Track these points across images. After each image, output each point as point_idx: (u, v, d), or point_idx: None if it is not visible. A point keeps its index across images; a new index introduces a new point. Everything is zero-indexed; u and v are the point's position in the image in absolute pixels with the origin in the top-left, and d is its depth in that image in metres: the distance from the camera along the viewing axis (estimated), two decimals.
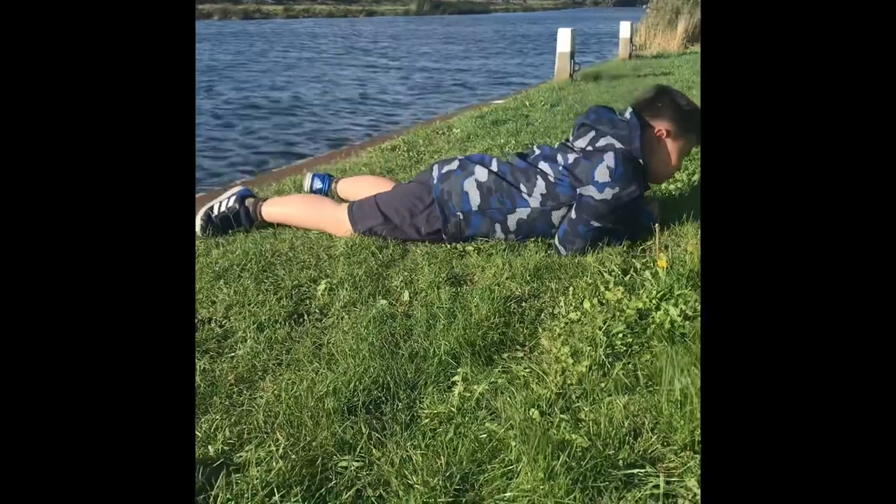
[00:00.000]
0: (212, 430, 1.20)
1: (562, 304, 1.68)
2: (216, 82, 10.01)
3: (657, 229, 1.95)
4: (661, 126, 2.05)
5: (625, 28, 10.75)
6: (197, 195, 2.86)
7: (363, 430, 1.19)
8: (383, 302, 1.71)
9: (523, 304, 1.70)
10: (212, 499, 1.04)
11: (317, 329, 1.60)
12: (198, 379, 1.36)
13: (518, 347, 1.51)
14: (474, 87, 10.08)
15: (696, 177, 2.75)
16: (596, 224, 1.98)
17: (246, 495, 1.04)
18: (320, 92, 9.35)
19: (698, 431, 1.13)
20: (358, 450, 1.15)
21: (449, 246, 2.10)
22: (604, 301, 1.66)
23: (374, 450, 1.16)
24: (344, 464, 1.12)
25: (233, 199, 2.29)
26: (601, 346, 1.43)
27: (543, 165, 2.05)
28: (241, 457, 1.14)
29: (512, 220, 2.05)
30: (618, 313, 1.58)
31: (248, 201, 2.31)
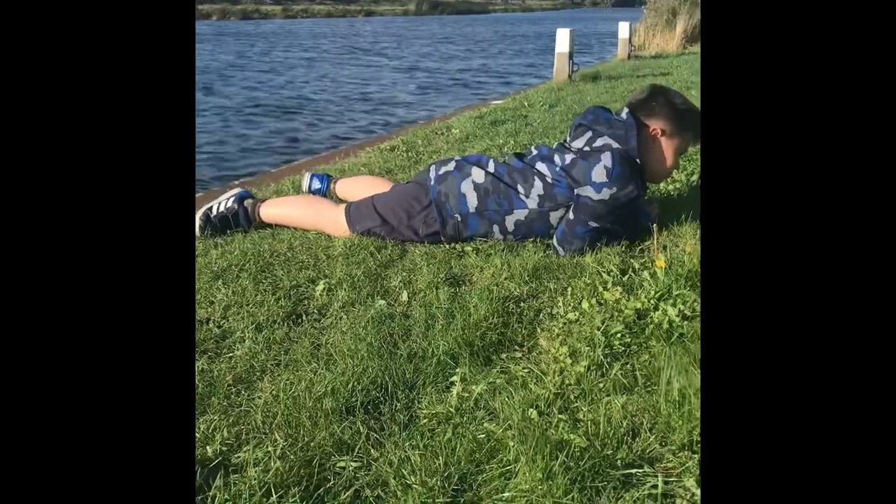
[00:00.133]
0: (210, 431, 1.20)
1: (560, 304, 1.68)
2: (216, 82, 10.02)
3: (655, 230, 1.96)
4: (656, 125, 2.05)
5: (623, 28, 10.75)
6: (195, 195, 2.86)
7: (361, 430, 1.19)
8: (382, 302, 1.71)
9: (522, 304, 1.70)
10: (210, 499, 1.04)
11: (315, 329, 1.60)
12: (196, 379, 1.36)
13: (516, 348, 1.51)
14: (475, 87, 10.09)
15: (695, 177, 2.75)
16: (594, 224, 1.98)
17: (244, 496, 1.04)
18: (321, 91, 9.36)
19: (696, 431, 1.13)
20: (356, 450, 1.15)
21: (447, 246, 2.10)
22: (602, 301, 1.66)
23: (372, 450, 1.16)
24: (342, 464, 1.12)
25: (231, 199, 2.29)
26: (599, 347, 1.43)
27: (541, 166, 2.05)
28: (239, 457, 1.14)
29: (510, 221, 2.05)
30: (616, 313, 1.58)
31: (247, 202, 2.31)
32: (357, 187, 2.45)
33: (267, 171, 4.41)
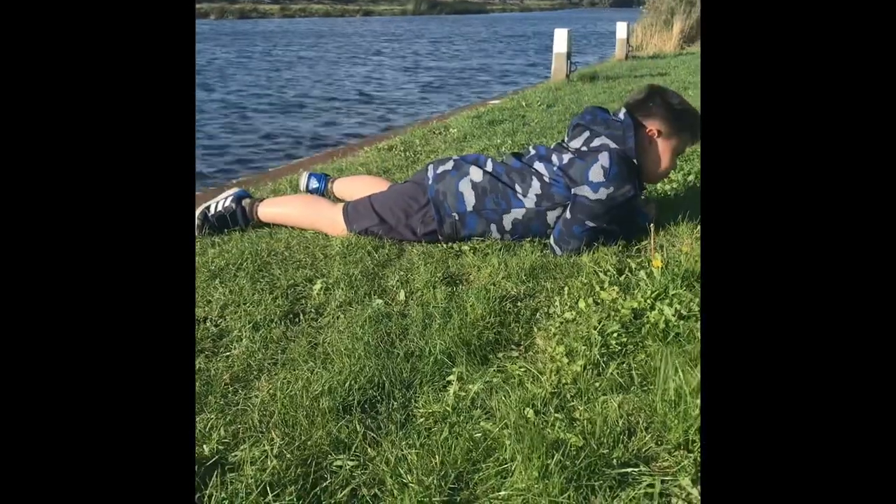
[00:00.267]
0: (207, 430, 1.20)
1: (557, 303, 1.68)
2: (215, 81, 10.01)
3: (652, 229, 1.96)
4: (653, 126, 2.06)
5: (621, 29, 10.76)
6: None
7: (358, 429, 1.20)
8: (379, 301, 1.71)
9: (519, 303, 1.70)
10: (206, 498, 1.04)
11: (312, 328, 1.60)
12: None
13: (513, 347, 1.51)
14: (475, 87, 10.09)
15: (692, 177, 2.76)
16: (591, 224, 1.98)
17: (240, 494, 1.04)
18: (322, 90, 9.36)
19: (692, 431, 1.14)
20: (353, 449, 1.15)
21: (445, 245, 2.10)
22: (599, 301, 1.66)
23: (369, 449, 1.16)
24: (339, 463, 1.12)
25: (229, 199, 2.30)
26: (596, 346, 1.43)
27: (538, 166, 2.05)
28: (235, 456, 1.14)
29: (507, 221, 2.05)
30: (613, 313, 1.58)
31: (245, 201, 2.31)
32: (355, 187, 2.45)
33: (265, 171, 4.41)
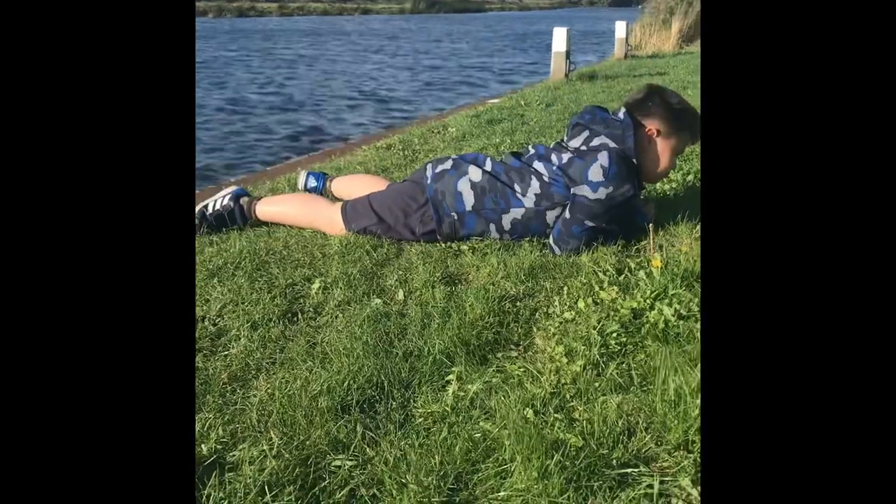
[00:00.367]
0: (205, 429, 1.20)
1: (556, 303, 1.68)
2: (215, 80, 10.00)
3: (651, 229, 1.96)
4: (652, 125, 2.05)
5: (620, 28, 10.76)
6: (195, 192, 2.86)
7: (357, 429, 1.19)
8: (378, 301, 1.71)
9: (518, 303, 1.70)
10: (205, 497, 1.03)
11: (311, 328, 1.60)
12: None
13: (512, 347, 1.51)
14: (477, 85, 10.10)
15: (691, 177, 2.75)
16: (590, 224, 1.98)
17: (239, 494, 1.04)
18: (320, 88, 9.35)
19: (692, 431, 1.13)
20: (352, 449, 1.15)
21: (444, 245, 2.09)
22: (598, 301, 1.66)
23: (367, 449, 1.15)
24: (337, 463, 1.12)
25: (227, 197, 2.29)
26: (595, 346, 1.43)
27: (538, 165, 2.04)
28: (234, 455, 1.14)
29: (506, 220, 2.05)
30: (612, 313, 1.58)
31: (243, 200, 2.30)
32: (353, 186, 2.45)
33: (263, 169, 4.41)
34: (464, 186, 2.06)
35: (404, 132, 4.32)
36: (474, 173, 2.07)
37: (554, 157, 2.04)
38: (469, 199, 2.05)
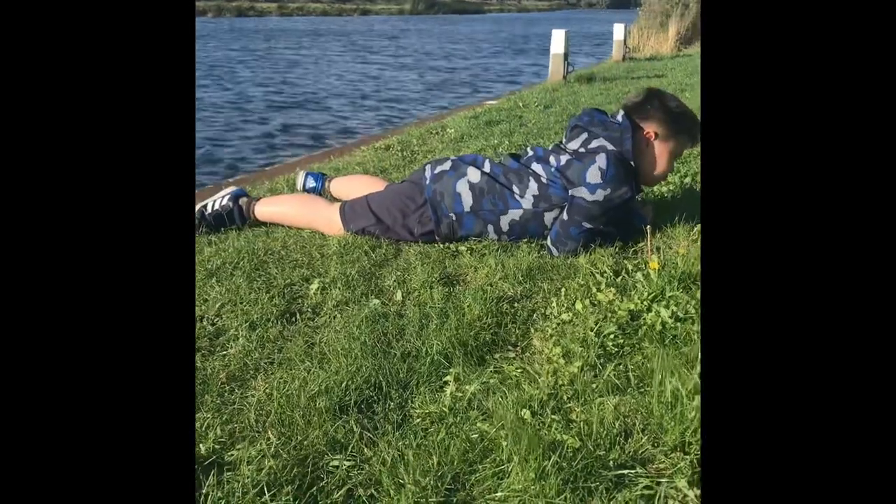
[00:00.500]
0: (203, 429, 1.20)
1: (554, 304, 1.68)
2: (216, 80, 10.00)
3: (649, 231, 1.96)
4: (650, 128, 2.06)
5: (618, 30, 10.79)
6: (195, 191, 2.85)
7: (355, 429, 1.20)
8: (376, 301, 1.71)
9: (515, 304, 1.70)
10: (203, 497, 1.03)
11: (309, 328, 1.60)
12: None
13: (510, 348, 1.51)
14: (478, 86, 10.12)
15: (689, 179, 2.76)
16: (588, 225, 1.98)
17: (237, 494, 1.04)
18: (321, 88, 9.36)
19: (688, 432, 1.14)
20: (349, 449, 1.15)
21: (442, 246, 2.10)
22: (596, 302, 1.66)
23: (365, 449, 1.16)
24: (335, 463, 1.12)
25: (226, 198, 2.29)
26: (593, 347, 1.43)
27: (536, 167, 2.05)
28: (232, 455, 1.14)
29: (504, 222, 2.05)
30: (609, 314, 1.58)
31: (242, 200, 2.31)
32: (352, 186, 2.45)
33: (262, 170, 4.41)
34: (462, 188, 2.06)
35: (403, 133, 4.33)
36: (473, 175, 2.08)
37: (552, 159, 2.05)
38: (467, 201, 2.06)
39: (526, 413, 1.22)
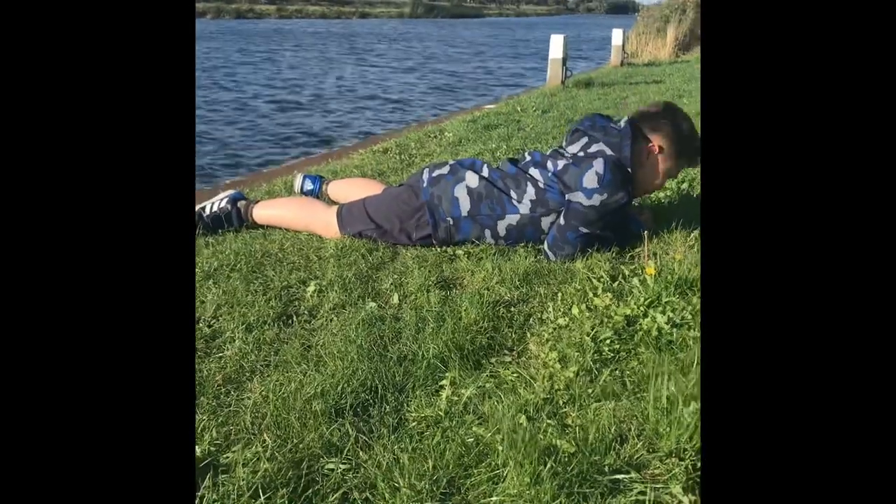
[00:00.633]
0: (199, 431, 1.20)
1: (550, 309, 1.68)
2: (213, 81, 10.01)
3: (646, 237, 1.97)
4: (656, 141, 2.07)
5: (617, 35, 10.82)
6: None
7: (350, 432, 1.20)
8: (372, 304, 1.71)
9: (512, 308, 1.70)
10: (198, 499, 1.03)
11: (305, 331, 1.60)
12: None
13: (506, 352, 1.51)
14: (480, 89, 10.14)
15: (685, 185, 2.77)
16: (584, 230, 1.99)
17: (232, 496, 1.04)
18: (320, 90, 9.37)
19: (684, 438, 1.14)
20: (345, 452, 1.15)
21: (439, 249, 2.10)
22: (592, 307, 1.66)
23: (361, 452, 1.16)
24: (331, 466, 1.12)
25: (225, 200, 2.30)
26: (589, 352, 1.43)
27: (534, 171, 2.05)
28: (227, 457, 1.14)
29: (501, 226, 2.06)
30: (606, 319, 1.58)
31: (240, 203, 2.31)
32: (350, 189, 2.45)
33: (260, 171, 4.41)
34: (460, 192, 2.07)
35: (401, 136, 4.33)
36: (471, 179, 2.08)
37: (550, 164, 2.05)
38: (465, 205, 2.06)
39: (522, 417, 1.22)
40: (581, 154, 2.02)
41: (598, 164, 1.96)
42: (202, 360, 1.45)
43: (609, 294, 1.70)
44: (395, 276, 1.90)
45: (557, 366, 1.40)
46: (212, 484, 1.06)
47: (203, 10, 31.93)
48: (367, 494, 1.07)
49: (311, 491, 1.07)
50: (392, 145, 3.83)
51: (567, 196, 1.99)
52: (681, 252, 1.96)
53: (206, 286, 1.81)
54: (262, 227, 2.31)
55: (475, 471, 1.10)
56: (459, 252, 2.07)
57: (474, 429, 1.20)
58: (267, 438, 1.18)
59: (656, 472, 1.11)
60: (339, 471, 1.11)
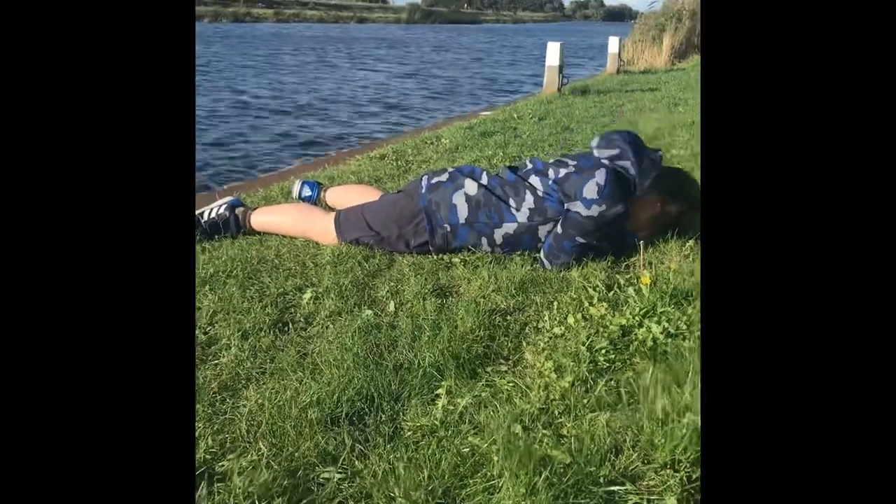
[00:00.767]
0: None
1: (546, 318, 1.69)
2: (212, 83, 10.01)
3: (641, 246, 1.97)
4: (662, 202, 2.09)
5: (613, 43, 10.86)
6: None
7: (346, 441, 1.20)
8: (369, 312, 1.72)
9: (508, 317, 1.71)
10: None
11: (301, 338, 1.60)
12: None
13: (502, 361, 1.52)
14: (470, 96, 10.16)
15: None
16: (581, 240, 1.99)
17: None
18: (319, 94, 9.38)
19: (679, 450, 1.14)
20: (340, 461, 1.15)
21: (435, 257, 2.10)
22: (588, 316, 1.67)
23: (356, 461, 1.16)
24: (326, 475, 1.12)
25: (223, 207, 2.30)
26: (584, 362, 1.44)
27: (534, 179, 2.06)
28: (223, 466, 1.14)
29: (498, 235, 2.06)
30: (601, 329, 1.59)
31: (238, 210, 2.31)
32: (348, 196, 2.46)
33: (257, 177, 4.41)
34: (458, 199, 2.07)
35: (398, 142, 4.34)
36: (470, 187, 2.09)
37: (551, 172, 2.05)
38: (463, 212, 2.06)
39: (517, 427, 1.22)
40: (605, 161, 2.03)
41: (600, 175, 1.96)
42: (198, 367, 1.45)
43: (605, 303, 1.71)
44: (392, 284, 1.90)
45: (553, 375, 1.40)
46: (207, 493, 1.06)
47: (201, 14, 31.93)
48: None
49: (306, 500, 1.07)
50: (389, 151, 3.84)
51: (566, 205, 1.99)
52: (676, 262, 1.97)
53: (203, 292, 1.81)
54: (259, 233, 2.31)
55: (471, 481, 1.10)
56: (456, 260, 2.07)
57: (470, 438, 1.21)
58: (262, 447, 1.18)
59: (651, 483, 1.11)
60: (335, 480, 1.11)
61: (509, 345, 1.58)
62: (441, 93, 10.43)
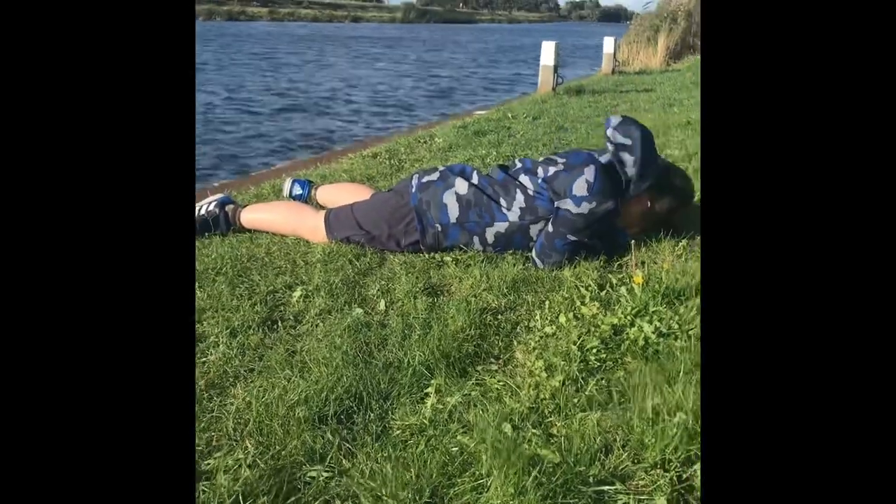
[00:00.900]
0: None
1: (537, 317, 1.68)
2: (212, 83, 9.99)
3: (634, 246, 1.97)
4: (653, 201, 2.10)
5: (608, 43, 10.87)
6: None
7: (333, 440, 1.18)
8: (359, 310, 1.70)
9: (499, 316, 1.70)
10: None
11: (290, 336, 1.59)
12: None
13: (493, 360, 1.51)
14: (464, 96, 10.16)
15: None
16: (572, 238, 1.98)
17: (213, 503, 1.03)
18: (326, 93, 9.37)
19: (669, 450, 1.14)
20: (328, 460, 1.14)
21: (427, 256, 2.09)
22: (579, 316, 1.66)
23: (343, 460, 1.15)
24: (313, 474, 1.11)
25: (213, 204, 2.29)
26: (575, 361, 1.43)
27: (524, 178, 2.05)
28: (209, 464, 1.12)
29: (490, 234, 2.05)
30: (592, 328, 1.58)
31: (228, 207, 2.30)
32: (339, 194, 2.44)
33: (248, 175, 4.39)
34: (449, 199, 2.06)
35: (391, 141, 4.32)
36: (461, 186, 2.08)
37: (540, 170, 2.05)
38: (454, 212, 2.05)
39: (507, 427, 1.21)
40: (607, 154, 2.03)
41: (589, 172, 1.96)
42: None
43: (596, 303, 1.70)
44: (383, 282, 1.89)
45: (543, 374, 1.39)
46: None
47: (195, 12, 31.87)
48: (350, 503, 1.06)
49: (292, 499, 1.06)
50: (381, 150, 3.82)
51: (556, 203, 1.99)
52: (668, 261, 1.96)
53: None
54: (248, 231, 2.29)
55: (459, 480, 1.09)
56: (447, 259, 2.06)
57: (459, 437, 1.20)
58: (249, 445, 1.17)
59: (641, 483, 1.10)
60: (322, 479, 1.10)
61: (500, 344, 1.57)
62: (435, 92, 10.42)
